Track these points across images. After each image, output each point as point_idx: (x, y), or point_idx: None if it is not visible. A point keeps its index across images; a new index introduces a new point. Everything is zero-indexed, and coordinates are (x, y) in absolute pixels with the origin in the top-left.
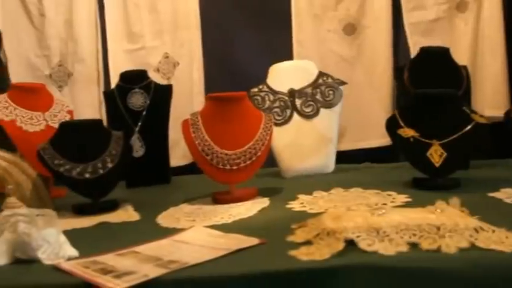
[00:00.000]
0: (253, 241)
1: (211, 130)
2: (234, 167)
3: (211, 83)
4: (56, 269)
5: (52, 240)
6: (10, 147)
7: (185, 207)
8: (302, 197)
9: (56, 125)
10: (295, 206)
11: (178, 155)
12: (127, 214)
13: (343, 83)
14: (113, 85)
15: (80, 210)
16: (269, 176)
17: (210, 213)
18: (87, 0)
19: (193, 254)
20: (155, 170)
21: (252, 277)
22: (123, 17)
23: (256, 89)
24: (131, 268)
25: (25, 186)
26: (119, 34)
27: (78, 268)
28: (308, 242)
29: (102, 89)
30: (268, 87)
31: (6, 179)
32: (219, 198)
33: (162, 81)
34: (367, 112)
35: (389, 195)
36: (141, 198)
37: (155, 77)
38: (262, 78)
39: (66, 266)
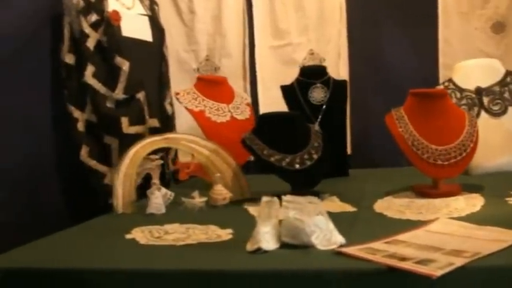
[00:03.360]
0: None
1: (418, 125)
2: (445, 162)
3: (357, 80)
4: (334, 254)
5: (323, 227)
6: None
7: (394, 200)
8: None
9: (239, 117)
10: None
11: None
12: (338, 205)
13: None
14: (258, 80)
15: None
16: None
17: (429, 206)
18: None
19: (476, 244)
20: (335, 163)
21: None
22: (270, 14)
23: (441, 86)
24: (424, 256)
25: (227, 174)
26: (266, 30)
27: (366, 254)
28: None
29: (247, 83)
30: (454, 84)
31: (210, 167)
32: (427, 192)
33: None
34: None
35: None
36: (331, 190)
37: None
38: (406, 75)
39: (352, 251)
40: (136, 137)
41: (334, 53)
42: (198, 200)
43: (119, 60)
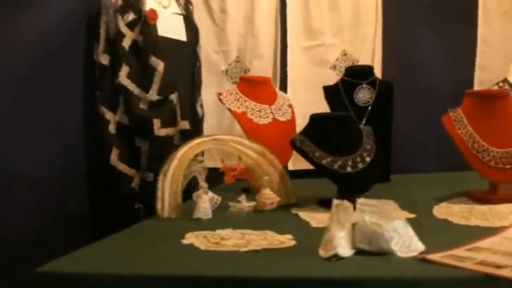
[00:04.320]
0: None
1: (478, 127)
2: (507, 166)
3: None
4: (417, 261)
5: (402, 232)
6: None
7: (452, 206)
8: None
9: (281, 118)
10: None
11: None
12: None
13: None
14: (289, 82)
15: (328, 204)
16: None
17: (492, 212)
18: None
19: None
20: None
21: None
22: (304, 14)
23: (495, 85)
24: None
25: (273, 178)
26: (299, 30)
27: (455, 262)
28: None
29: (277, 85)
30: (509, 84)
31: (256, 170)
32: (487, 198)
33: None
34: None
35: None
36: (377, 196)
37: (331, 74)
38: (442, 76)
39: (439, 259)
40: (167, 140)
41: (368, 54)
42: (245, 204)
43: (154, 60)
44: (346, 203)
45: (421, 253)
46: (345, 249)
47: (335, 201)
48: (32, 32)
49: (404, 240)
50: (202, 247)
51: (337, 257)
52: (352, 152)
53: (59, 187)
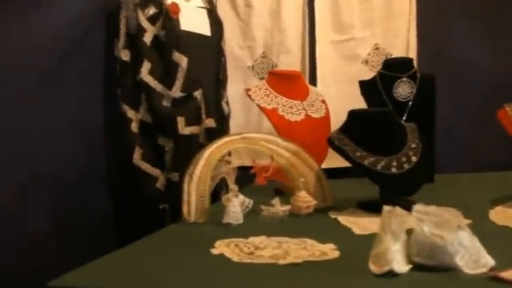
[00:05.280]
0: None
1: None
2: None
3: None
4: (489, 279)
5: (468, 245)
6: None
7: (509, 211)
8: None
9: (314, 115)
10: None
11: None
12: None
13: None
14: (319, 77)
15: (369, 208)
16: None
17: None
18: None
19: None
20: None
21: None
22: (333, 7)
23: None
24: None
25: (309, 179)
26: (327, 24)
27: None
28: None
29: (307, 81)
30: None
31: (290, 171)
32: None
33: (371, 74)
34: None
35: None
36: (422, 198)
37: (362, 69)
38: (481, 69)
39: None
40: (192, 138)
41: (402, 47)
42: (279, 208)
43: (177, 56)
44: (399, 209)
45: (491, 269)
46: (400, 265)
47: (386, 208)
48: (51, 31)
49: (471, 254)
50: (235, 258)
51: (392, 274)
52: (396, 151)
53: (80, 188)
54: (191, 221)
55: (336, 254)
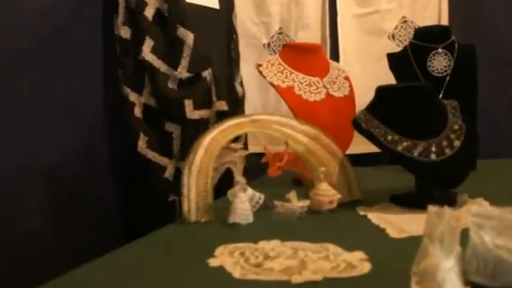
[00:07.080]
0: None
1: None
2: None
3: None
4: None
5: None
6: None
7: None
8: None
9: (336, 94)
10: None
11: None
12: None
13: None
14: (341, 53)
15: (405, 202)
16: None
17: None
18: None
19: None
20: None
21: None
22: None
23: None
24: None
25: (331, 168)
26: None
27: None
28: None
29: (329, 57)
30: None
31: (309, 159)
32: None
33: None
34: None
35: None
36: (463, 189)
37: (389, 44)
38: None
39: None
40: (201, 123)
41: (432, 20)
42: (296, 204)
43: (182, 31)
44: (450, 212)
45: None
46: (456, 284)
47: (431, 209)
48: (42, 7)
49: None
50: (237, 273)
51: None
52: (436, 134)
53: (80, 179)
54: (191, 220)
55: (366, 267)
